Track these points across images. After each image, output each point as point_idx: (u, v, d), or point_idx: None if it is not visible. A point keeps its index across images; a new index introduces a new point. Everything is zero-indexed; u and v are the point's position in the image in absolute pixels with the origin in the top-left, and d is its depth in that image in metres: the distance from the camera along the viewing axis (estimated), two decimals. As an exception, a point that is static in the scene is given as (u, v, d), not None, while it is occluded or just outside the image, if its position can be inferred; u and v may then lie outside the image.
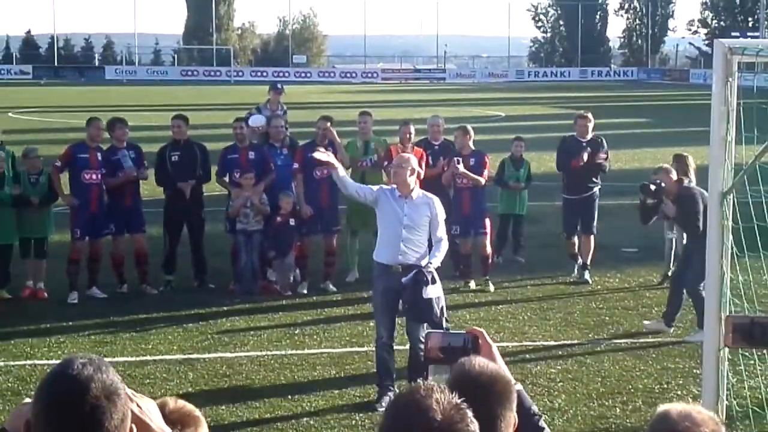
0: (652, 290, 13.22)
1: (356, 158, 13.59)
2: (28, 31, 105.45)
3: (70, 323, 11.59)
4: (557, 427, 8.33)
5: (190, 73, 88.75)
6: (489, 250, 13.39)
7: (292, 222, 13.00)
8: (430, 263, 8.78)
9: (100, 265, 12.85)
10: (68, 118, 38.70)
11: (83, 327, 11.43)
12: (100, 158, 12.64)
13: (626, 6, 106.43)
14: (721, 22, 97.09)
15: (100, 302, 12.57)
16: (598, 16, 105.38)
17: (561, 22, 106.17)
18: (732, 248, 7.07)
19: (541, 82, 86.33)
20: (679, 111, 47.18)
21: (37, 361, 10.17)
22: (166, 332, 11.25)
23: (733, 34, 74.36)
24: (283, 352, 10.53)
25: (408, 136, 13.14)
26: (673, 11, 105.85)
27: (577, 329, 11.42)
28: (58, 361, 2.47)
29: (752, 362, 8.10)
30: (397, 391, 8.90)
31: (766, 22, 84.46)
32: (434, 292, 8.63)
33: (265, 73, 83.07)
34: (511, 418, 2.80)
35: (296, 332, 11.27)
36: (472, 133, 13.46)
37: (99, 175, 12.60)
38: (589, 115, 13.91)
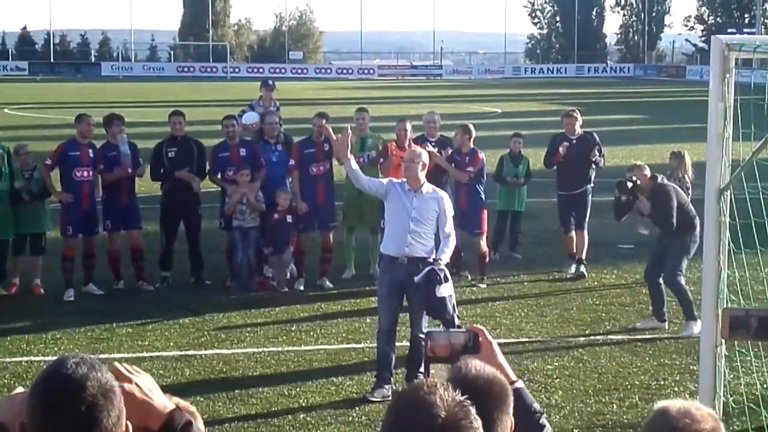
0: (648, 287, 13.23)
1: (353, 155, 13.53)
2: (24, 27, 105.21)
3: (67, 319, 11.57)
4: (554, 424, 8.32)
5: (186, 69, 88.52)
6: (485, 249, 13.38)
7: (289, 218, 12.98)
8: (440, 259, 8.89)
9: (95, 262, 12.82)
10: (64, 114, 38.48)
11: (79, 323, 11.41)
12: (92, 155, 12.59)
13: (623, 2, 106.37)
14: (718, 19, 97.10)
15: (96, 299, 12.55)
16: (594, 13, 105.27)
17: (557, 19, 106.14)
18: (729, 244, 7.08)
19: (538, 79, 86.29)
20: (676, 107, 47.15)
21: (33, 358, 10.16)
22: (162, 328, 11.24)
23: (729, 30, 74.15)
24: (280, 349, 10.52)
25: (404, 132, 13.12)
26: (669, 7, 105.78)
27: (574, 326, 11.43)
28: (54, 358, 2.45)
29: (749, 359, 8.10)
30: (394, 386, 8.95)
31: (762, 19, 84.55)
32: (447, 290, 8.79)
33: (261, 70, 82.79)
34: (508, 421, 2.78)
35: (293, 328, 11.27)
36: (473, 133, 13.29)
37: (90, 172, 12.57)
38: (576, 113, 13.89)
